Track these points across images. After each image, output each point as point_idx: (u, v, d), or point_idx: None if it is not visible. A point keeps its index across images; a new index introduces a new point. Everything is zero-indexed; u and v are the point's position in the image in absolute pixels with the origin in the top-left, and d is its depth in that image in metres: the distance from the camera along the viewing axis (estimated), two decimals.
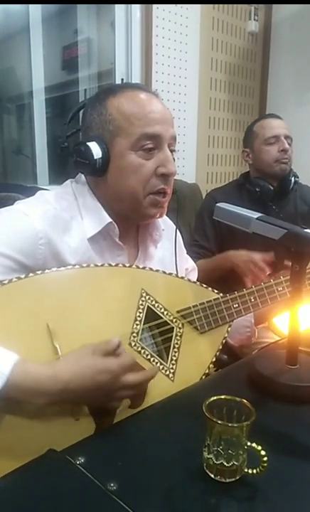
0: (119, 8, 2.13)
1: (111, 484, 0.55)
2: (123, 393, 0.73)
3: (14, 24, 2.20)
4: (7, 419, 0.68)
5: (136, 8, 2.11)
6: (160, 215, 0.93)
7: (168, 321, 0.85)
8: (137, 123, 0.85)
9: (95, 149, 0.86)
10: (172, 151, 0.90)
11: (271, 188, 1.65)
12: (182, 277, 0.94)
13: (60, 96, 2.40)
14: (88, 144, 0.86)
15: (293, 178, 1.67)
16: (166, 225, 1.05)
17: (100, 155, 0.86)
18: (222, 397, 0.59)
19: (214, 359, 0.89)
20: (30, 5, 2.06)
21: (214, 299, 0.90)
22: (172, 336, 0.85)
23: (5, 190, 1.18)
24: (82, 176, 0.94)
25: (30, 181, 2.19)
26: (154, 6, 2.10)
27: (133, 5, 2.10)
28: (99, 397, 0.71)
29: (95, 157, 0.86)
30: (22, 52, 2.16)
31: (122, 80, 2.13)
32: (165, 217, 1.06)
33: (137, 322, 0.82)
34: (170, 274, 0.91)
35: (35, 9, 2.08)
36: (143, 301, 0.84)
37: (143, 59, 2.14)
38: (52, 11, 2.23)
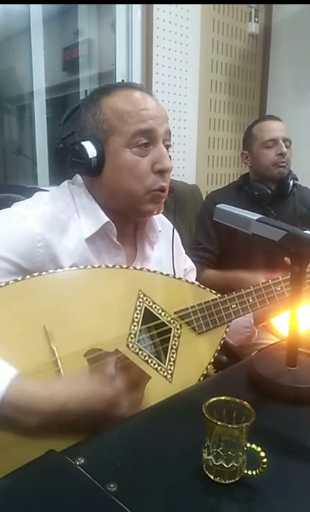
0: (120, 9, 2.13)
1: (111, 485, 0.54)
2: (116, 419, 0.73)
3: (15, 25, 2.20)
4: (6, 428, 0.67)
5: (137, 9, 2.11)
6: (157, 211, 0.92)
7: (166, 322, 0.85)
8: (130, 120, 0.85)
9: (90, 148, 0.86)
10: (168, 146, 0.90)
11: (270, 191, 1.65)
12: (179, 278, 0.94)
13: (61, 97, 2.40)
14: (82, 143, 0.86)
15: (292, 181, 1.67)
16: (163, 225, 1.05)
17: (95, 154, 0.86)
18: (222, 398, 0.59)
19: (212, 360, 0.89)
20: (31, 6, 2.06)
21: (212, 300, 0.91)
22: (170, 337, 0.85)
23: (5, 191, 1.18)
24: (79, 176, 0.94)
25: (30, 182, 2.19)
26: (155, 7, 2.10)
27: (134, 6, 2.10)
28: (93, 420, 0.72)
29: (90, 156, 0.86)
30: (23, 53, 2.17)
31: (122, 80, 2.13)
32: (163, 217, 1.07)
33: (135, 323, 0.82)
34: (167, 275, 0.91)
35: (36, 10, 2.09)
36: (140, 302, 0.84)
37: (143, 60, 2.14)
38: (53, 11, 2.23)
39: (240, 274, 1.45)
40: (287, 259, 0.78)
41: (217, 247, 1.69)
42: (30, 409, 0.65)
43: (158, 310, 0.85)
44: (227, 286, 1.49)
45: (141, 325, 0.83)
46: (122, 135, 0.86)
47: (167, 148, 0.90)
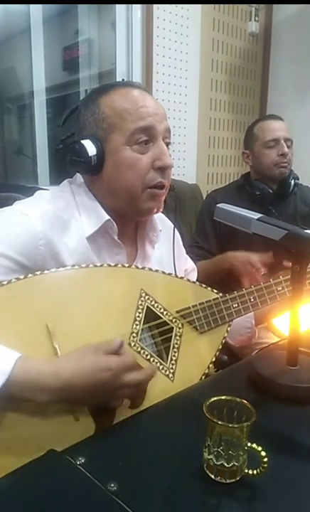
0: (120, 9, 2.13)
1: (112, 484, 0.55)
2: (123, 392, 0.73)
3: (15, 25, 2.20)
4: (8, 418, 0.67)
5: (137, 9, 2.11)
6: (157, 210, 0.92)
7: (168, 321, 0.85)
8: (130, 118, 0.85)
9: (89, 147, 0.86)
10: (167, 144, 0.90)
11: (271, 191, 1.65)
12: (181, 277, 0.94)
13: (61, 96, 2.40)
14: (82, 141, 0.86)
15: (293, 181, 1.67)
16: (164, 225, 1.05)
17: (95, 152, 0.86)
18: (223, 397, 0.59)
19: (214, 359, 0.89)
20: (31, 5, 2.06)
21: (213, 299, 0.90)
22: (172, 336, 0.85)
23: (5, 191, 1.18)
24: (79, 175, 0.94)
25: (31, 181, 2.19)
26: (155, 6, 2.10)
27: (134, 5, 2.10)
28: (99, 396, 0.71)
29: (90, 154, 0.86)
30: (23, 52, 2.17)
31: (123, 79, 2.13)
32: (163, 216, 1.07)
33: (137, 322, 0.82)
34: (169, 274, 0.91)
35: (36, 10, 2.09)
36: (142, 301, 0.84)
37: (143, 59, 2.14)
38: (53, 11, 2.23)
39: (230, 252, 1.46)
40: (287, 263, 0.78)
41: (214, 246, 1.69)
42: (37, 386, 0.65)
43: (160, 309, 0.85)
44: (219, 268, 1.49)
45: (143, 324, 0.83)
46: (122, 133, 0.86)
47: (167, 146, 0.90)
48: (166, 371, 0.82)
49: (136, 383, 0.73)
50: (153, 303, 0.85)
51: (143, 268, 0.89)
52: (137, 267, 0.89)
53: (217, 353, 0.90)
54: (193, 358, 0.87)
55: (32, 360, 0.67)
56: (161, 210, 0.94)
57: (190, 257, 1.23)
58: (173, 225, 1.03)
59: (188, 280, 0.94)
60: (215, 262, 1.56)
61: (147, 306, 0.84)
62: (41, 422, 0.69)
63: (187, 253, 1.21)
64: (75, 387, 0.67)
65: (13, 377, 0.64)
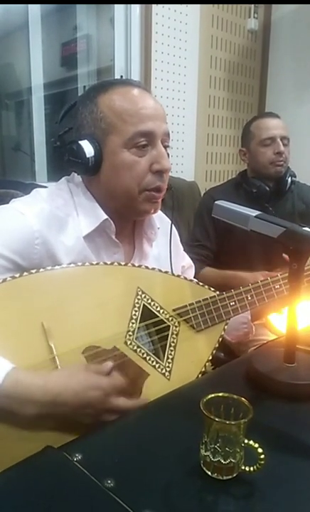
0: (119, 5, 2.12)
1: (109, 481, 0.54)
2: (110, 417, 0.72)
3: (13, 21, 2.19)
4: (3, 419, 0.67)
5: (136, 5, 2.10)
6: (154, 210, 0.92)
7: (164, 320, 0.85)
8: (129, 120, 0.84)
9: (87, 148, 0.85)
10: (166, 146, 0.90)
11: (268, 188, 1.64)
12: (178, 275, 0.93)
13: (59, 92, 2.39)
14: (80, 142, 0.86)
15: (290, 179, 1.67)
16: (162, 222, 1.05)
17: (92, 153, 0.86)
18: (220, 394, 0.59)
19: (210, 357, 0.89)
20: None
21: (210, 297, 0.90)
22: (168, 335, 0.85)
23: (3, 187, 1.18)
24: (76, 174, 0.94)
25: (28, 178, 2.19)
26: None
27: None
28: (86, 415, 0.71)
29: (87, 156, 0.85)
30: (21, 48, 2.16)
31: (121, 76, 2.13)
32: (161, 214, 1.06)
33: (133, 321, 0.82)
34: (166, 272, 0.91)
35: (34, 6, 2.08)
36: (139, 299, 0.84)
37: (142, 56, 2.13)
38: (51, 7, 2.23)
39: (240, 273, 1.45)
40: (286, 256, 0.78)
41: (214, 244, 1.69)
42: (26, 399, 0.65)
43: (157, 307, 0.85)
44: (225, 285, 1.48)
45: (140, 322, 0.82)
46: (121, 135, 0.85)
47: (165, 149, 0.89)
48: (162, 370, 0.82)
49: (122, 410, 0.72)
50: (149, 301, 0.85)
51: (139, 266, 0.89)
52: (133, 265, 0.88)
53: (214, 351, 0.90)
54: (190, 357, 0.86)
55: (23, 373, 0.67)
56: (158, 210, 0.94)
57: (193, 257, 1.23)
58: (170, 222, 1.03)
59: (185, 278, 0.94)
60: (224, 278, 1.51)
61: (143, 305, 0.84)
62: (38, 424, 0.69)
63: (188, 253, 1.21)
64: (63, 403, 0.67)
65: (2, 388, 0.63)
